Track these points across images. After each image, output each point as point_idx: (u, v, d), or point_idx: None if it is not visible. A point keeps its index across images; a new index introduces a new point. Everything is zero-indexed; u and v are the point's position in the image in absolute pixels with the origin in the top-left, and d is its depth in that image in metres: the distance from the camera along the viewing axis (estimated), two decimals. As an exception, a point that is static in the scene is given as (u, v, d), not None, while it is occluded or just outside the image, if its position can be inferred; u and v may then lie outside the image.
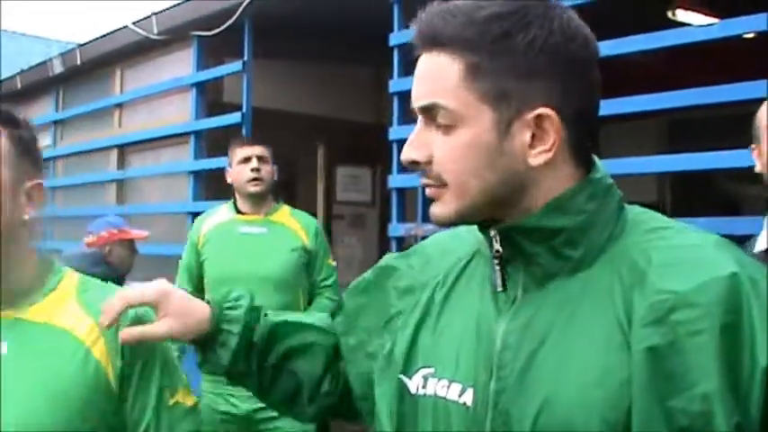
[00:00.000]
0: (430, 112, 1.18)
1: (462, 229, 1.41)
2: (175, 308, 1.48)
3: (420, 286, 1.38)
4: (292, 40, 5.59)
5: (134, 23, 6.39)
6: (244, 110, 5.44)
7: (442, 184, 1.19)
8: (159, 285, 1.50)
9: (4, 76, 9.13)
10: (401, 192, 4.72)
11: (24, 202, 1.57)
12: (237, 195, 4.04)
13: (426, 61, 1.19)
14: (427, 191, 1.22)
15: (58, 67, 7.64)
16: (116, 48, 6.79)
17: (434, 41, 1.18)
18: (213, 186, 6.00)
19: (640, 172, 4.23)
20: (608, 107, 3.79)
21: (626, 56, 3.75)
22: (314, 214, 7.21)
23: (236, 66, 5.58)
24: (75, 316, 1.57)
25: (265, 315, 1.56)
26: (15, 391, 1.47)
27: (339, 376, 1.54)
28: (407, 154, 1.20)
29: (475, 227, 1.31)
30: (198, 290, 3.94)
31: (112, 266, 4.49)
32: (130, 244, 4.65)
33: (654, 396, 1.07)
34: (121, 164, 6.96)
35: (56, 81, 7.94)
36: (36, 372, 1.50)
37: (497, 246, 1.23)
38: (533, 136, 1.17)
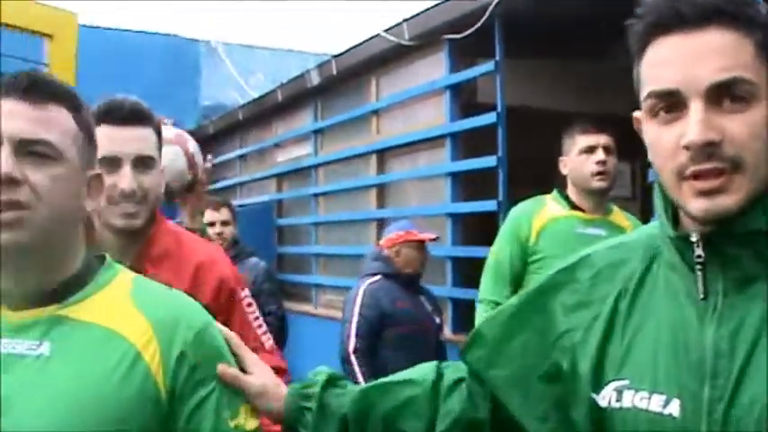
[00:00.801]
0: (728, 88, 1.13)
1: (626, 238, 1.40)
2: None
3: (596, 300, 1.33)
4: (543, 38, 5.51)
5: (385, 31, 6.52)
6: (498, 109, 5.42)
7: (734, 168, 1.13)
8: (265, 383, 1.57)
9: (266, 91, 9.60)
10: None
11: (85, 191, 1.50)
12: (573, 189, 3.65)
13: (708, 37, 1.14)
14: (707, 183, 1.14)
15: (315, 79, 7.93)
16: (369, 56, 6.97)
17: (719, 16, 1.13)
18: (470, 187, 6.03)
19: None
20: None
21: None
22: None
23: (488, 66, 5.57)
24: (127, 316, 1.46)
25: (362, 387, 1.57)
26: (48, 398, 1.37)
27: (449, 414, 1.51)
28: (703, 134, 1.12)
29: (647, 234, 1.33)
30: (514, 291, 3.53)
31: (392, 264, 4.77)
32: (419, 245, 4.84)
33: None
34: (380, 169, 7.13)
35: (314, 92, 8.24)
36: (77, 377, 1.39)
37: (699, 251, 1.18)
38: None
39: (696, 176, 1.14)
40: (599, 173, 3.51)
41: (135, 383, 1.40)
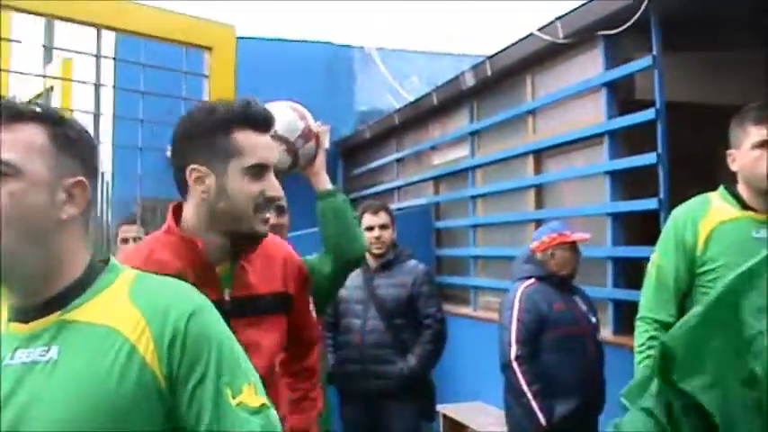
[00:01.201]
0: None
1: None
2: None
3: None
4: (703, 30, 5.34)
5: (539, 30, 6.47)
6: (657, 105, 5.29)
7: None
8: None
9: (421, 94, 9.66)
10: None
11: (63, 199, 1.54)
12: (745, 187, 3.20)
13: None
14: None
15: (470, 80, 7.93)
16: (523, 56, 6.93)
17: None
18: (630, 186, 5.91)
19: None
20: None
21: None
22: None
23: (645, 61, 5.45)
24: (121, 310, 1.52)
25: None
26: (57, 399, 1.44)
27: None
28: None
29: None
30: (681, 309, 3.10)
31: (546, 267, 4.74)
32: (572, 246, 4.79)
33: None
34: (538, 169, 7.07)
35: (469, 94, 8.24)
36: (82, 375, 1.46)
37: None
38: None
39: None
40: None
41: (132, 376, 1.46)
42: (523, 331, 4.51)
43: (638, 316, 3.44)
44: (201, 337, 1.52)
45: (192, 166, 2.24)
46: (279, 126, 3.55)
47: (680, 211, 3.34)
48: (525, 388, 4.42)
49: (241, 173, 2.22)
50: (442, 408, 6.68)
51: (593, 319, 4.79)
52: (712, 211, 3.22)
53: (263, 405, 1.56)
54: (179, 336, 1.50)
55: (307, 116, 3.52)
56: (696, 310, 1.45)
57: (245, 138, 2.23)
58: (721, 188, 3.31)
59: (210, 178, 2.23)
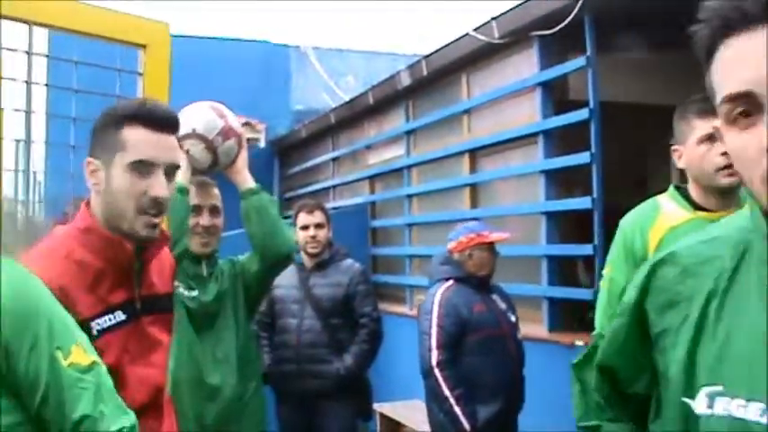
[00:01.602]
0: None
1: (715, 231, 1.32)
2: None
3: (684, 299, 1.27)
4: (636, 31, 5.42)
5: (475, 30, 6.50)
6: (591, 105, 5.35)
7: None
8: None
9: (357, 94, 9.67)
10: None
11: None
12: (694, 186, 3.02)
13: None
14: None
15: (405, 80, 7.95)
16: (459, 55, 6.96)
17: None
18: (564, 185, 5.97)
19: None
20: None
21: None
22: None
23: (579, 62, 5.51)
24: None
25: None
26: None
27: None
28: None
29: (736, 227, 1.25)
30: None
31: (464, 268, 4.65)
32: (490, 247, 4.70)
33: None
34: (473, 168, 7.10)
35: (405, 93, 8.27)
36: None
37: None
38: None
39: None
40: (726, 166, 2.82)
41: None
42: (444, 336, 4.44)
43: (594, 333, 3.16)
44: (26, 309, 1.62)
45: (88, 159, 2.24)
46: (198, 125, 3.56)
47: (628, 221, 3.11)
48: (448, 393, 4.35)
49: (125, 168, 2.17)
50: (378, 406, 6.68)
51: (513, 318, 4.73)
52: (662, 216, 3.01)
53: (93, 362, 1.70)
54: (3, 311, 1.58)
55: (226, 115, 3.52)
56: (616, 322, 1.44)
57: (133, 134, 2.18)
58: (671, 188, 3.11)
59: (101, 172, 2.21)
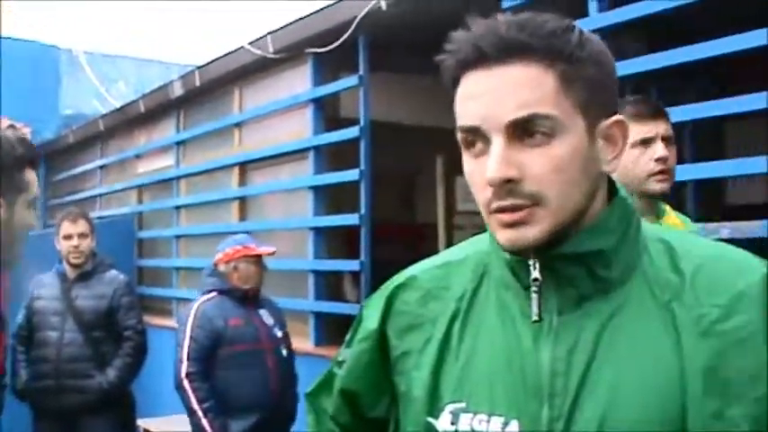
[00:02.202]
0: (525, 124, 1.13)
1: (453, 255, 1.39)
2: None
3: (427, 321, 1.32)
4: (408, 53, 5.59)
5: (250, 43, 6.50)
6: (362, 124, 5.47)
7: (535, 203, 1.14)
8: None
9: (128, 101, 9.43)
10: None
11: None
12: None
13: (509, 73, 1.13)
14: (509, 216, 1.15)
15: (178, 90, 7.83)
16: (233, 68, 6.92)
17: (521, 51, 1.13)
18: (333, 201, 6.07)
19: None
20: (732, 105, 3.68)
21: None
22: (434, 225, 7.23)
23: (352, 80, 5.62)
24: None
25: None
26: None
27: None
28: (502, 172, 1.12)
29: (475, 250, 1.33)
30: None
31: (228, 280, 4.62)
32: (257, 260, 4.68)
33: (712, 408, 1.09)
34: (242, 181, 7.09)
35: (177, 103, 8.14)
36: None
37: (536, 274, 1.19)
38: (605, 143, 1.20)
39: (500, 210, 1.15)
40: (659, 172, 2.72)
41: None
42: (195, 348, 4.39)
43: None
44: None
45: None
46: None
47: None
48: (196, 406, 4.29)
49: None
50: (142, 422, 6.50)
51: (279, 333, 4.70)
52: None
53: None
54: None
55: None
56: (358, 347, 1.44)
57: None
58: None
59: None
